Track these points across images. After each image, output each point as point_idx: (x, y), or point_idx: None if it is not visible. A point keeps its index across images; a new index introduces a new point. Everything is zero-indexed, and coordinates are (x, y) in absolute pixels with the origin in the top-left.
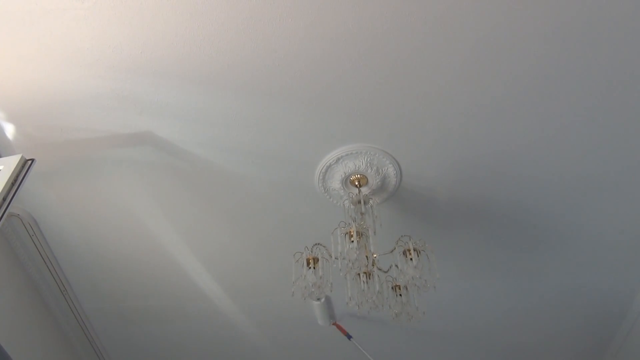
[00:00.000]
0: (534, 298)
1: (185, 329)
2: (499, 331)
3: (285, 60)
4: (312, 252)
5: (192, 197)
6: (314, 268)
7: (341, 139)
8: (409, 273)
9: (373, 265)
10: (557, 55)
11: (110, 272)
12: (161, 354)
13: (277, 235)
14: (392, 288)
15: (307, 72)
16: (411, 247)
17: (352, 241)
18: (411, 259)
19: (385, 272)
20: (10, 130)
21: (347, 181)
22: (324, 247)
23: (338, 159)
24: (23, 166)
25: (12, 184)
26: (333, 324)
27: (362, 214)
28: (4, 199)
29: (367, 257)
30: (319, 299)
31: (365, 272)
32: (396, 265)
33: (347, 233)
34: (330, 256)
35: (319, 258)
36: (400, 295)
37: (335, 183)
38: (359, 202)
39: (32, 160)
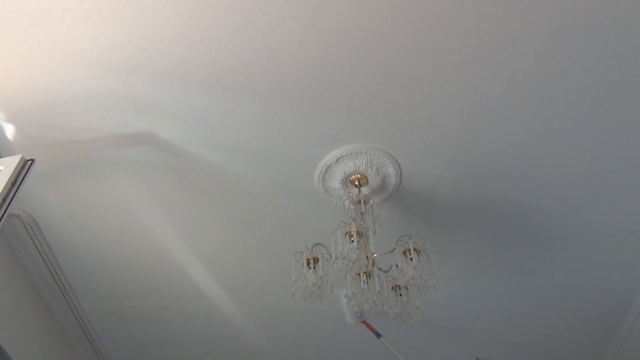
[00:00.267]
0: (533, 298)
1: (185, 329)
2: (498, 331)
3: (285, 60)
4: (312, 252)
5: (192, 197)
6: (314, 268)
7: (341, 139)
8: (409, 273)
9: (373, 265)
10: (557, 54)
11: (110, 272)
12: (161, 354)
13: (277, 235)
14: (393, 288)
15: (307, 72)
16: (411, 247)
17: (352, 241)
18: (411, 259)
19: (386, 272)
20: (10, 130)
21: (347, 181)
22: (324, 247)
23: (338, 159)
24: (23, 166)
25: (12, 185)
26: (362, 322)
27: (362, 213)
28: (4, 200)
29: (367, 257)
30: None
31: (365, 272)
32: (396, 265)
33: (347, 233)
34: (331, 256)
35: (319, 258)
36: (401, 295)
37: (335, 183)
38: (359, 202)
39: (32, 160)
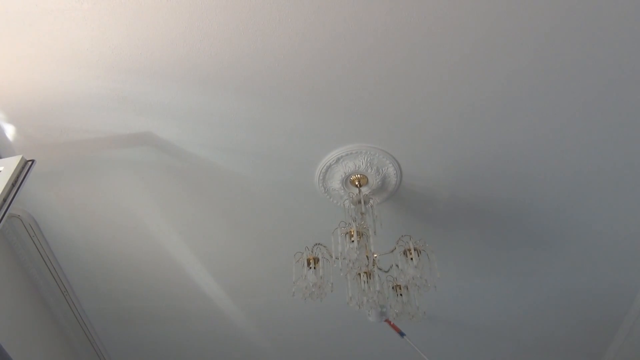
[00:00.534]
0: (533, 298)
1: (185, 329)
2: (498, 331)
3: (284, 60)
4: (312, 252)
5: (192, 198)
6: (315, 268)
7: (341, 139)
8: (409, 273)
9: (373, 265)
10: (556, 53)
11: (111, 272)
12: (161, 354)
13: (277, 235)
14: (393, 288)
15: (306, 72)
16: (411, 247)
17: (353, 241)
18: (411, 259)
19: (386, 271)
20: (10, 131)
21: (347, 181)
22: (325, 247)
23: (338, 159)
24: (23, 167)
25: (13, 185)
26: (385, 321)
27: (362, 213)
28: (5, 200)
29: (367, 257)
30: None
31: (365, 272)
32: (397, 265)
33: (347, 233)
34: (331, 256)
35: (320, 258)
36: (401, 294)
37: (336, 183)
38: (359, 202)
39: (32, 161)
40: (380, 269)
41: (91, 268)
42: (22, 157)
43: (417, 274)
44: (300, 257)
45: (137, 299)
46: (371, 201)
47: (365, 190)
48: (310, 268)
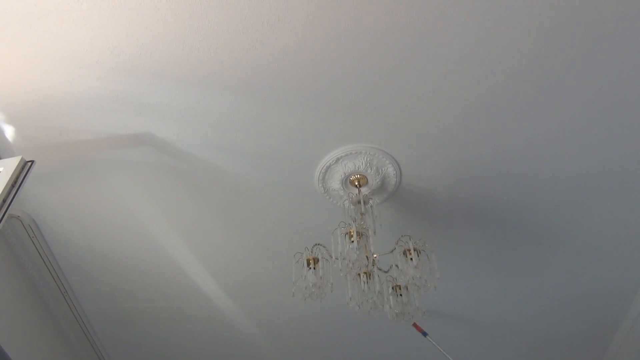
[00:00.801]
0: (533, 298)
1: (185, 329)
2: (498, 331)
3: (284, 60)
4: (312, 252)
5: (191, 198)
6: (314, 268)
7: (341, 139)
8: (409, 273)
9: (373, 265)
10: (556, 53)
11: (110, 273)
12: (161, 354)
13: (277, 236)
14: (393, 288)
15: (306, 72)
16: (411, 247)
17: (352, 241)
18: (411, 259)
19: (386, 272)
20: (10, 132)
21: (347, 181)
22: (324, 247)
23: (338, 159)
24: (23, 168)
25: (12, 186)
26: (413, 325)
27: (362, 214)
28: (4, 201)
29: (367, 257)
30: None
31: (365, 272)
32: (396, 265)
33: (347, 233)
34: (331, 256)
35: (319, 258)
36: (401, 295)
37: (335, 183)
38: (359, 202)
39: (32, 161)
40: (380, 269)
41: (91, 268)
42: (22, 158)
43: (416, 274)
44: (300, 257)
45: (137, 299)
46: (371, 201)
47: (364, 190)
48: (310, 268)
